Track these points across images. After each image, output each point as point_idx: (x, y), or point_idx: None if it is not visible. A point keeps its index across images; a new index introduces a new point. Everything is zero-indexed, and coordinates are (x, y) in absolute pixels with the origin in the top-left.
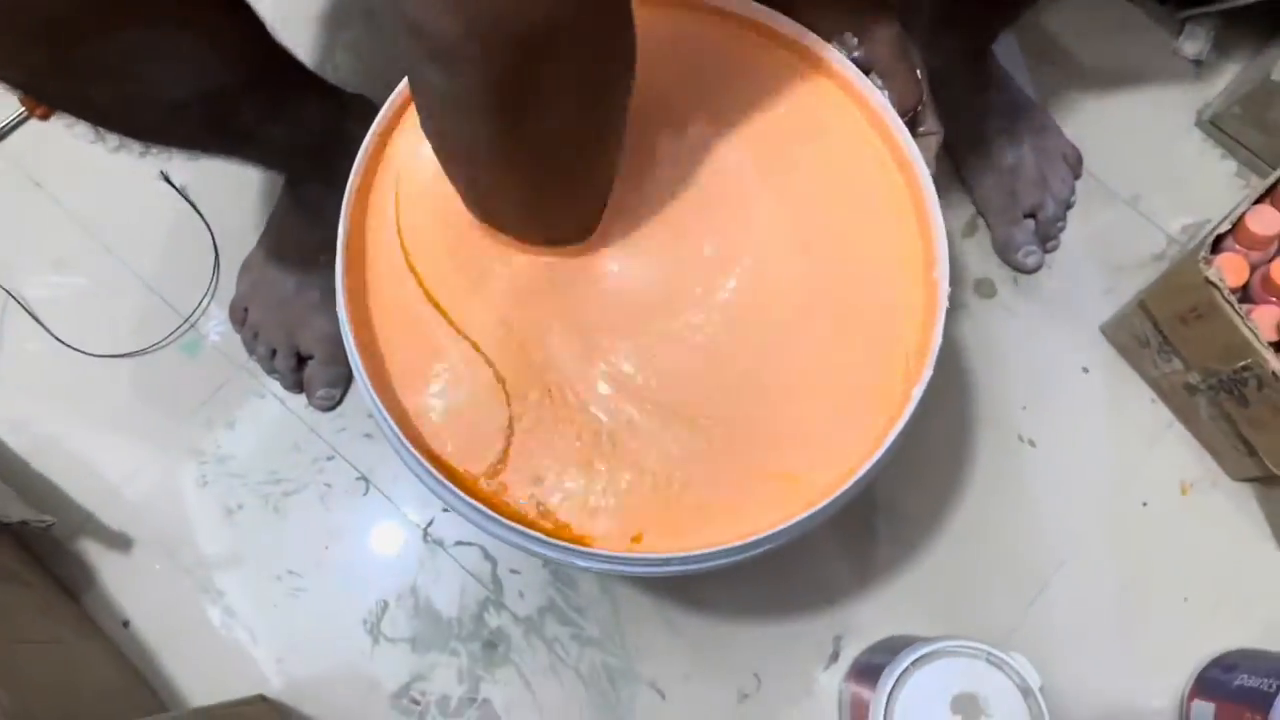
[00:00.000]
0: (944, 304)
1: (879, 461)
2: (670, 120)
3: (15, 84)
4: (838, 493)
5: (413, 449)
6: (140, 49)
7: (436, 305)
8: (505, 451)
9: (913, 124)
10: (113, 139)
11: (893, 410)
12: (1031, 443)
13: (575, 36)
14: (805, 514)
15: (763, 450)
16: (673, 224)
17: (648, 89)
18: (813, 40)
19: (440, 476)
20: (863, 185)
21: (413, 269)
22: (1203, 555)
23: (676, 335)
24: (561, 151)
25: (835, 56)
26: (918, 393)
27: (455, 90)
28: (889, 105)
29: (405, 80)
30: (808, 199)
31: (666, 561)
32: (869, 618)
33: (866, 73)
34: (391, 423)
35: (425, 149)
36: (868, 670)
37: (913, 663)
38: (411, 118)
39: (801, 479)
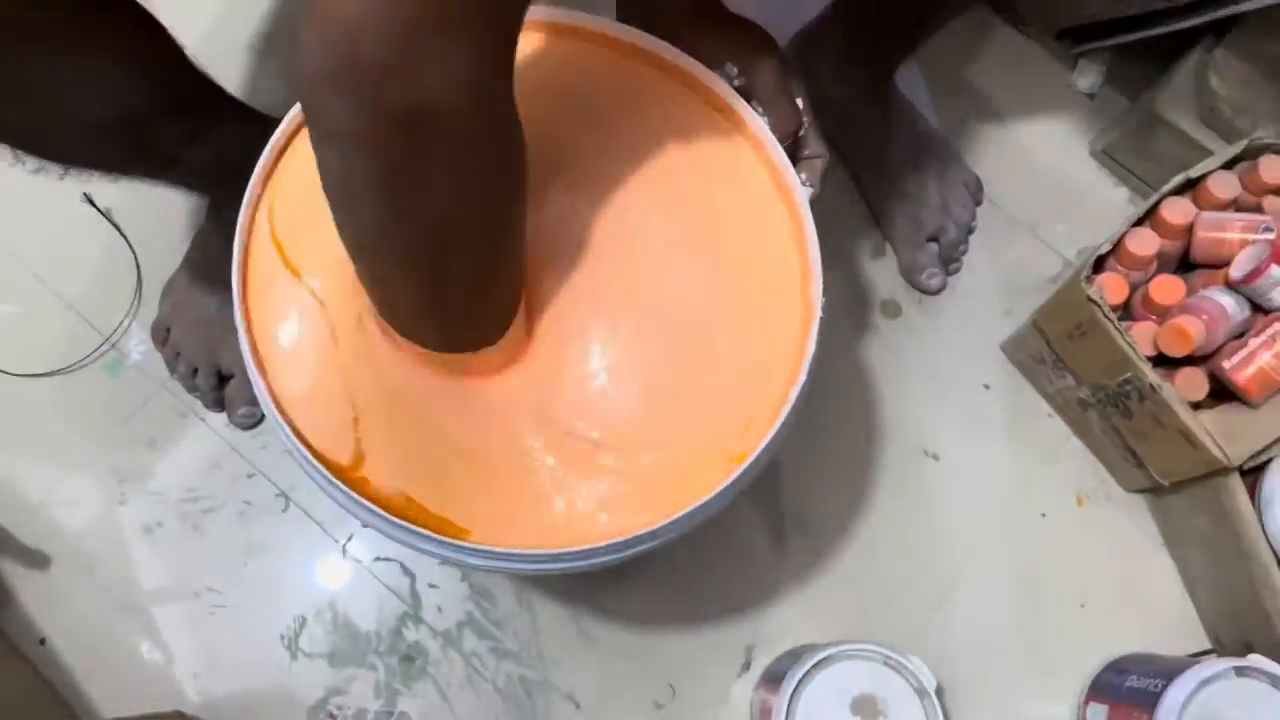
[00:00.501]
0: (818, 314)
1: (758, 459)
2: (558, 151)
3: None
4: (714, 492)
5: (299, 443)
6: (49, 72)
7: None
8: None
9: (795, 149)
10: (31, 161)
11: (772, 412)
12: (935, 456)
13: (457, 121)
14: (683, 512)
15: (652, 450)
16: (560, 249)
17: (536, 119)
18: (698, 69)
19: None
20: (746, 208)
21: (289, 265)
22: (1098, 563)
23: (561, 354)
24: (454, 246)
25: (720, 85)
26: (794, 393)
27: (345, 169)
28: (769, 131)
29: (293, 110)
30: (693, 223)
31: (556, 558)
32: (780, 627)
33: (748, 100)
34: (275, 412)
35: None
36: (775, 677)
37: (814, 665)
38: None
39: (685, 479)
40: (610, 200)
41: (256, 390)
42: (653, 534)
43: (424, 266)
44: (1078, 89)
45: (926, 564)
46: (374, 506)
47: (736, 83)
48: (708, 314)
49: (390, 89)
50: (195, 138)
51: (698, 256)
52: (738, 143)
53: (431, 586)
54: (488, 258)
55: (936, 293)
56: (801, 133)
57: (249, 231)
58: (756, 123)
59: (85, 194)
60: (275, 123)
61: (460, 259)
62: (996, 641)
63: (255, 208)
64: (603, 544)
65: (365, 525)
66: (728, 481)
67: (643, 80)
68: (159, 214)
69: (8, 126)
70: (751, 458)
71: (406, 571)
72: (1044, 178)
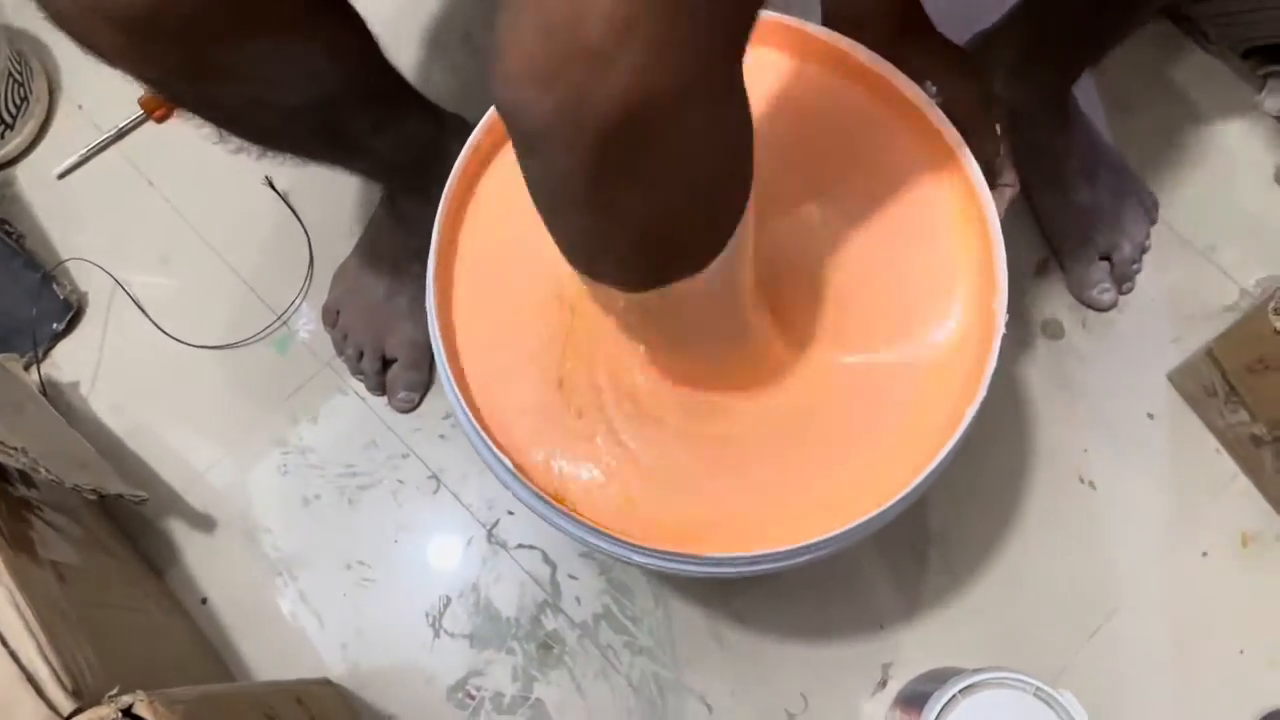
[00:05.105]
0: (1000, 330)
1: (928, 477)
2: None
3: (149, 82)
4: (883, 507)
5: (492, 446)
6: (267, 56)
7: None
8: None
9: (987, 175)
10: (234, 141)
11: (948, 430)
12: (1091, 485)
13: (676, 118)
14: (852, 524)
15: (822, 467)
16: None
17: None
18: (901, 80)
19: (509, 465)
20: (937, 220)
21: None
22: (1261, 609)
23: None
24: (667, 228)
25: (923, 100)
26: (971, 411)
27: (549, 175)
28: (967, 149)
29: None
30: (882, 231)
31: (720, 562)
32: (917, 648)
33: None
34: (473, 421)
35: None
36: (914, 699)
37: (960, 691)
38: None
39: (855, 496)
40: (806, 204)
41: (442, 371)
42: (821, 544)
43: (643, 264)
44: (1264, 110)
45: (1075, 595)
46: (548, 498)
47: (937, 100)
48: (890, 320)
49: (612, 79)
50: (381, 127)
51: (891, 265)
52: (933, 155)
53: (571, 577)
54: (711, 237)
55: (1107, 309)
56: (996, 161)
57: (447, 229)
58: (956, 139)
59: (266, 177)
60: (449, 117)
61: (681, 249)
62: (1146, 682)
63: (458, 203)
64: (769, 551)
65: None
66: (899, 497)
67: (842, 88)
68: (333, 199)
69: (218, 104)
70: (927, 471)
71: (548, 561)
72: (1223, 201)
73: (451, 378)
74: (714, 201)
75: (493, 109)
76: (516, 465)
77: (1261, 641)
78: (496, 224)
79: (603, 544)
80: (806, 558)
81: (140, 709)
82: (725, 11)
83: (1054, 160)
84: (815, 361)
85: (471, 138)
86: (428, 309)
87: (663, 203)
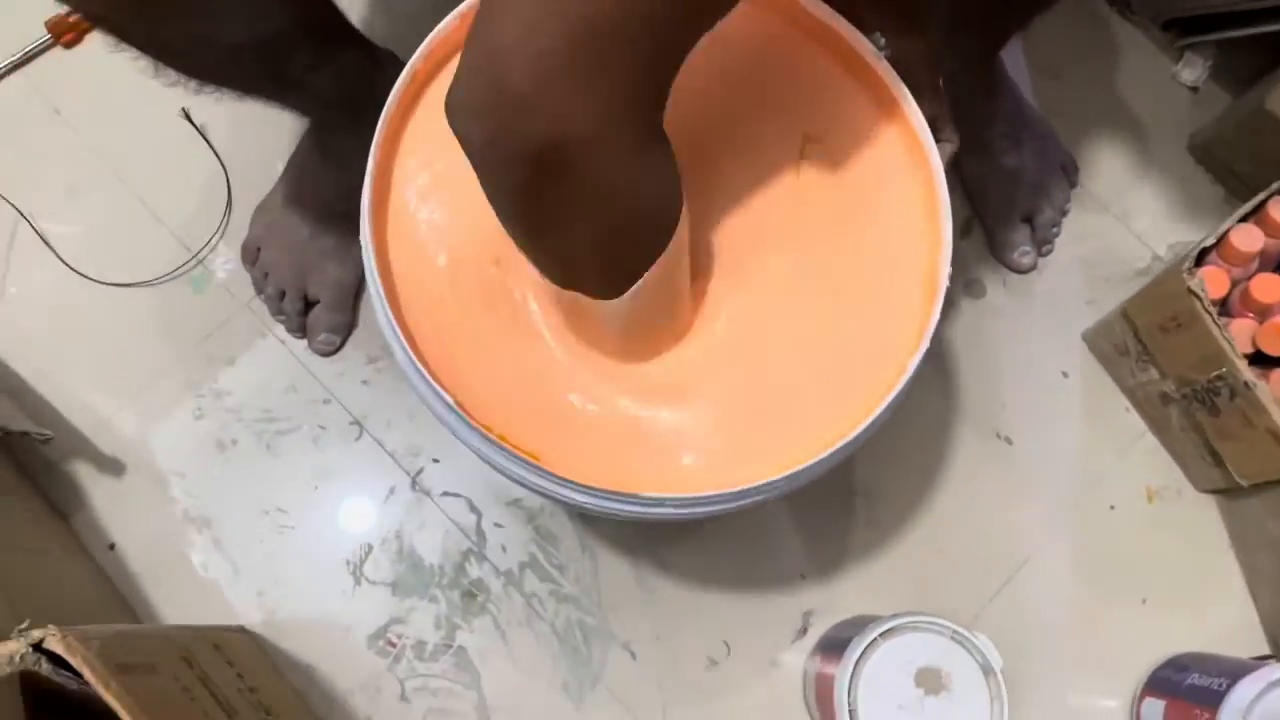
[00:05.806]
0: (944, 284)
1: (876, 421)
2: (708, 101)
3: (93, 17)
4: (829, 451)
5: (444, 394)
6: None
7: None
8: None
9: (932, 130)
10: (172, 75)
11: (893, 377)
12: (1008, 440)
13: (590, 160)
14: (802, 465)
15: (765, 414)
16: (703, 197)
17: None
18: (854, 37)
19: (456, 408)
20: (880, 173)
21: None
22: (1164, 561)
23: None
24: (588, 272)
25: (874, 56)
26: (914, 363)
27: (490, 189)
28: (913, 102)
29: (430, 36)
30: (827, 182)
31: (660, 502)
32: (838, 597)
33: None
34: (421, 369)
35: None
36: (833, 645)
37: (880, 635)
38: (442, 74)
39: (800, 439)
40: (751, 156)
41: (386, 332)
42: (767, 486)
43: (567, 278)
44: (1181, 81)
45: (991, 547)
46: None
47: (884, 54)
48: (833, 273)
49: (529, 121)
50: (319, 64)
51: (830, 216)
52: (878, 108)
53: (497, 525)
54: (627, 279)
55: (1028, 271)
56: (938, 118)
57: (382, 165)
58: (901, 91)
59: (183, 109)
60: (382, 53)
61: (597, 277)
62: (1054, 629)
63: (392, 139)
64: (708, 494)
65: (480, 456)
66: (840, 444)
67: (785, 37)
68: (252, 133)
69: (160, 42)
70: (870, 419)
71: (473, 509)
72: (1139, 169)
73: (386, 301)
74: (630, 238)
75: (429, 38)
76: (457, 402)
77: (1163, 591)
78: (432, 157)
79: (543, 481)
80: (738, 504)
81: (52, 644)
82: (637, 72)
83: (980, 124)
84: (755, 313)
85: (409, 64)
86: (362, 240)
87: (583, 231)
